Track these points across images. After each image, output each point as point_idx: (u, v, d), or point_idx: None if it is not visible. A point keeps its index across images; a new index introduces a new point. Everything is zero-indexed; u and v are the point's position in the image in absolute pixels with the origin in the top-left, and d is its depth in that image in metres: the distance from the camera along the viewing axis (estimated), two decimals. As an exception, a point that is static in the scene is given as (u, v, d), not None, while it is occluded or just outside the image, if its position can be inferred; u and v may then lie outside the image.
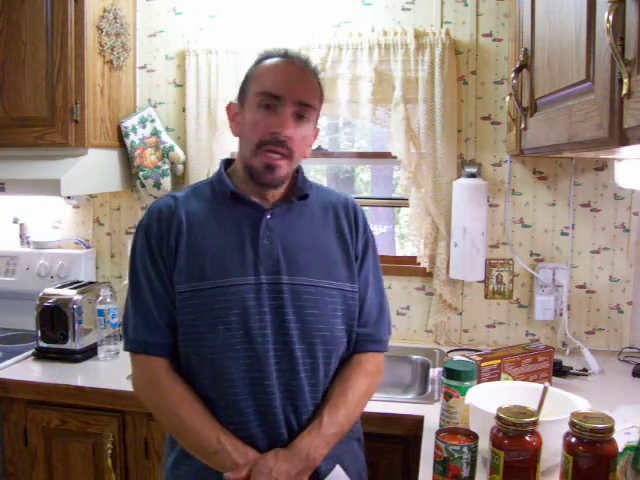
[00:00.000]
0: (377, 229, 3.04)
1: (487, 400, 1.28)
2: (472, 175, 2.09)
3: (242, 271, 1.21)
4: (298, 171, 1.33)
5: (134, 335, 1.25)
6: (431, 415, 1.56)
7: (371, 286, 1.34)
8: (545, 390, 1.22)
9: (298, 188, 1.30)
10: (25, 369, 1.94)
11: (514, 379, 1.61)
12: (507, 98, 1.78)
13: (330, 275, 1.26)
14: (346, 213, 1.34)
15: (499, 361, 1.59)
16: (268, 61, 1.26)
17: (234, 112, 1.30)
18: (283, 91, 1.20)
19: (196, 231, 1.25)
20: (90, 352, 2.04)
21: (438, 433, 1.19)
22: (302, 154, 1.27)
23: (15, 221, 2.47)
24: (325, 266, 1.27)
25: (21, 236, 2.47)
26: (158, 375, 1.24)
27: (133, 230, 2.37)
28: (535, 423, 1.09)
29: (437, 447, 1.16)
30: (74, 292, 2.04)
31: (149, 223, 1.27)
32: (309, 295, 1.23)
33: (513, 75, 1.45)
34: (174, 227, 1.25)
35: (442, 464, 1.15)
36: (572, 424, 1.05)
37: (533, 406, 1.17)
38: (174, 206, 1.27)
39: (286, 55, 1.26)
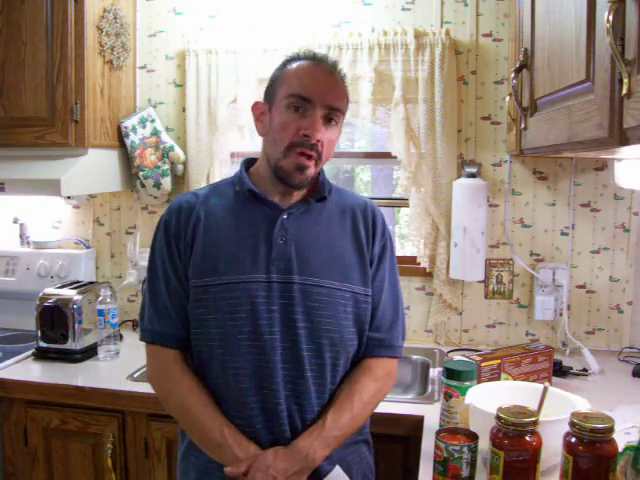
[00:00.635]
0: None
1: (487, 400, 1.28)
2: (472, 175, 2.09)
3: (254, 269, 1.23)
4: (319, 173, 1.34)
5: (148, 326, 1.29)
6: (431, 415, 1.57)
7: (386, 291, 1.34)
8: (545, 390, 1.22)
9: (317, 190, 1.31)
10: (25, 369, 1.94)
11: (514, 379, 1.61)
12: (507, 98, 1.78)
13: (343, 277, 1.26)
14: (364, 217, 1.34)
15: (499, 361, 1.59)
16: (297, 63, 1.26)
17: (260, 112, 1.30)
18: (314, 94, 1.21)
19: (213, 228, 1.27)
20: (90, 352, 2.04)
21: (438, 433, 1.19)
22: (328, 157, 1.28)
23: (15, 221, 2.47)
24: (338, 268, 1.27)
25: (21, 236, 2.47)
26: (169, 365, 1.26)
27: (133, 230, 2.40)
28: (535, 423, 1.09)
29: (437, 447, 1.16)
30: (74, 292, 2.04)
31: (169, 218, 1.30)
32: (320, 296, 1.23)
33: (513, 75, 1.45)
34: (192, 223, 1.27)
35: (442, 464, 1.15)
36: (572, 424, 1.05)
37: (533, 406, 1.17)
38: (194, 203, 1.30)
39: (315, 58, 1.27)
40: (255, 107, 1.32)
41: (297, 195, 1.30)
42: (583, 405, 1.25)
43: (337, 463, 1.24)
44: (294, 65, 1.26)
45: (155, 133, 2.27)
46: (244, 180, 1.30)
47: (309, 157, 1.21)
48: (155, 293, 1.29)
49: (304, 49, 1.31)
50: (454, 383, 1.37)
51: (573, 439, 1.05)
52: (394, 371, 1.36)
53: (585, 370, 1.90)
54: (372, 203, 1.39)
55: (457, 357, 1.59)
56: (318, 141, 1.21)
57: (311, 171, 1.24)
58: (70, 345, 2.00)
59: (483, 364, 1.56)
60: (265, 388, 1.21)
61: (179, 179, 2.33)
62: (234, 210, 1.29)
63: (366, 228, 1.33)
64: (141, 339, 1.32)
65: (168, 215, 1.30)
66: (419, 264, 2.19)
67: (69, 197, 2.40)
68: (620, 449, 1.06)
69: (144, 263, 1.52)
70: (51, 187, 1.95)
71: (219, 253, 1.24)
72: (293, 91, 1.22)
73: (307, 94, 1.21)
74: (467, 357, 1.59)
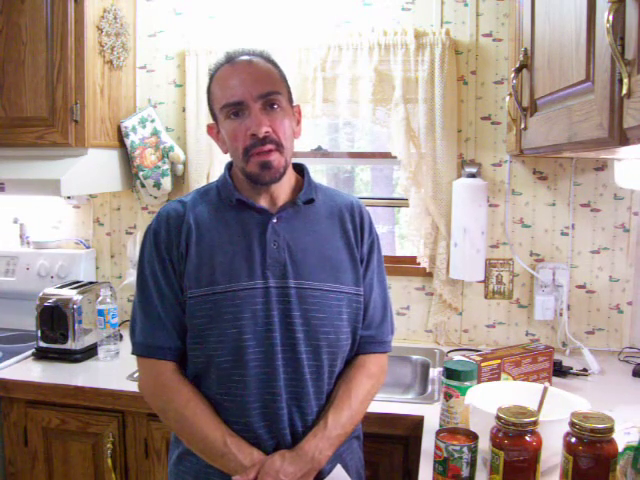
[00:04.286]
0: (377, 229, 3.02)
1: (487, 400, 1.28)
2: (472, 175, 2.09)
3: (250, 275, 1.22)
4: (304, 174, 1.34)
5: (142, 339, 1.26)
6: (431, 415, 1.57)
7: (375, 288, 1.35)
8: (545, 390, 1.23)
9: (304, 192, 1.31)
10: (25, 369, 1.94)
11: (514, 379, 1.61)
12: (507, 98, 1.78)
13: (336, 279, 1.27)
14: (351, 216, 1.34)
15: (499, 361, 1.59)
16: (217, 73, 1.26)
17: (215, 132, 1.31)
18: (240, 95, 1.20)
19: (205, 236, 1.26)
20: (90, 352, 2.04)
21: (438, 433, 1.19)
22: (290, 138, 1.26)
23: (15, 221, 2.47)
24: (331, 270, 1.27)
25: (21, 236, 2.47)
26: (165, 377, 1.24)
27: (133, 230, 2.40)
28: (535, 423, 1.09)
29: (437, 447, 1.16)
30: (74, 292, 2.04)
31: (158, 229, 1.28)
32: (315, 299, 1.24)
33: (513, 75, 1.45)
34: (183, 233, 1.25)
35: (442, 464, 1.15)
36: (572, 424, 1.05)
37: (533, 406, 1.17)
38: (182, 212, 1.28)
39: (229, 58, 1.26)
40: (209, 130, 1.33)
41: (283, 197, 1.30)
42: (583, 405, 1.25)
43: (334, 460, 1.25)
44: (214, 77, 1.27)
45: (155, 133, 2.27)
46: (229, 188, 1.29)
47: (268, 152, 1.21)
48: (147, 305, 1.26)
49: (225, 53, 1.29)
50: (454, 383, 1.38)
51: (573, 439, 1.05)
52: (386, 365, 1.37)
53: (585, 370, 1.90)
54: (358, 201, 1.39)
55: (457, 357, 1.59)
56: (266, 133, 1.20)
57: (278, 162, 1.22)
58: (70, 345, 2.00)
59: (483, 364, 1.56)
60: (267, 393, 1.21)
61: (179, 179, 2.33)
62: (224, 217, 1.28)
63: (354, 228, 1.33)
64: (134, 353, 1.28)
65: (157, 225, 1.28)
66: (419, 264, 2.19)
67: (69, 197, 2.40)
68: (620, 449, 1.06)
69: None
70: (51, 187, 1.95)
71: (214, 262, 1.23)
72: (222, 102, 1.22)
73: (234, 99, 1.21)
74: (467, 357, 1.59)
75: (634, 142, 0.84)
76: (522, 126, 1.45)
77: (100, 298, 2.04)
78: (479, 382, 1.48)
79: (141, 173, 2.25)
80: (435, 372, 1.94)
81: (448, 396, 1.39)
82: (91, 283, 2.17)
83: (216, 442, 1.18)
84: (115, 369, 1.95)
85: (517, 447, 1.09)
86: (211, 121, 1.32)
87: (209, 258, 1.24)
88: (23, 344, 2.13)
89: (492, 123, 2.14)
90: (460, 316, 2.22)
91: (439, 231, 2.15)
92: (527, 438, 1.09)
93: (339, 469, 1.24)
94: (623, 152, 1.37)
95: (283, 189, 1.29)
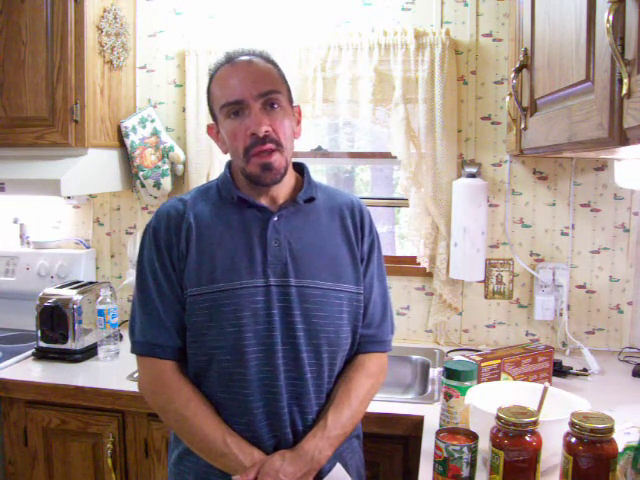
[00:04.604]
0: (377, 229, 3.02)
1: (487, 400, 1.28)
2: (472, 175, 2.09)
3: (251, 274, 1.22)
4: (304, 173, 1.34)
5: (142, 338, 1.26)
6: (431, 415, 1.57)
7: (375, 287, 1.35)
8: (545, 390, 1.23)
9: (304, 191, 1.30)
10: (25, 369, 1.94)
11: (514, 379, 1.61)
12: (507, 98, 1.78)
13: (337, 277, 1.27)
14: (352, 215, 1.34)
15: (499, 361, 1.59)
16: (217, 73, 1.27)
17: (215, 133, 1.31)
18: (240, 94, 1.20)
19: (205, 235, 1.25)
20: (90, 352, 2.04)
21: (438, 433, 1.19)
22: (290, 139, 1.26)
23: (15, 221, 2.47)
24: (332, 268, 1.27)
25: (21, 236, 2.47)
26: (165, 376, 1.24)
27: (133, 230, 2.40)
28: (535, 423, 1.09)
29: (437, 447, 1.16)
30: (74, 292, 2.04)
31: (157, 227, 1.27)
32: (316, 297, 1.24)
33: (513, 75, 1.45)
34: (183, 231, 1.25)
35: (442, 464, 1.15)
36: (572, 424, 1.05)
37: (533, 406, 1.17)
38: (182, 210, 1.27)
39: (229, 58, 1.26)
40: (209, 130, 1.33)
41: (283, 195, 1.29)
42: (583, 405, 1.25)
43: (335, 459, 1.25)
44: (214, 77, 1.27)
45: (155, 133, 2.27)
46: (230, 186, 1.29)
47: (269, 152, 1.20)
48: (147, 304, 1.25)
49: (224, 53, 1.29)
50: (454, 383, 1.38)
51: (573, 439, 1.05)
52: (385, 365, 1.37)
53: (585, 370, 1.90)
54: (358, 200, 1.39)
55: (457, 357, 1.59)
56: (267, 132, 1.20)
57: (278, 163, 1.22)
58: (70, 345, 2.00)
59: (483, 364, 1.56)
60: (268, 392, 1.21)
61: (179, 179, 2.33)
62: (224, 215, 1.27)
63: (354, 226, 1.33)
64: (133, 352, 1.28)
65: (156, 223, 1.27)
66: (419, 264, 2.19)
67: (69, 197, 2.40)
68: (620, 449, 1.06)
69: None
70: (51, 187, 1.95)
71: (215, 260, 1.23)
72: (222, 102, 1.22)
73: (234, 97, 1.20)
74: (467, 357, 1.59)
75: (634, 142, 0.84)
76: (522, 126, 1.45)
77: (100, 298, 2.04)
78: (479, 382, 1.48)
79: (141, 173, 2.25)
80: (435, 372, 1.94)
81: (448, 396, 1.39)
82: (91, 283, 2.17)
83: (216, 442, 1.18)
84: (115, 369, 1.95)
85: (517, 447, 1.09)
86: (211, 121, 1.32)
87: (209, 256, 1.23)
88: (23, 344, 2.13)
89: (492, 123, 2.14)
90: (460, 316, 2.22)
91: (439, 231, 2.15)
92: (527, 438, 1.09)
93: (338, 468, 1.25)
94: (623, 152, 1.37)
95: (283, 188, 1.29)
